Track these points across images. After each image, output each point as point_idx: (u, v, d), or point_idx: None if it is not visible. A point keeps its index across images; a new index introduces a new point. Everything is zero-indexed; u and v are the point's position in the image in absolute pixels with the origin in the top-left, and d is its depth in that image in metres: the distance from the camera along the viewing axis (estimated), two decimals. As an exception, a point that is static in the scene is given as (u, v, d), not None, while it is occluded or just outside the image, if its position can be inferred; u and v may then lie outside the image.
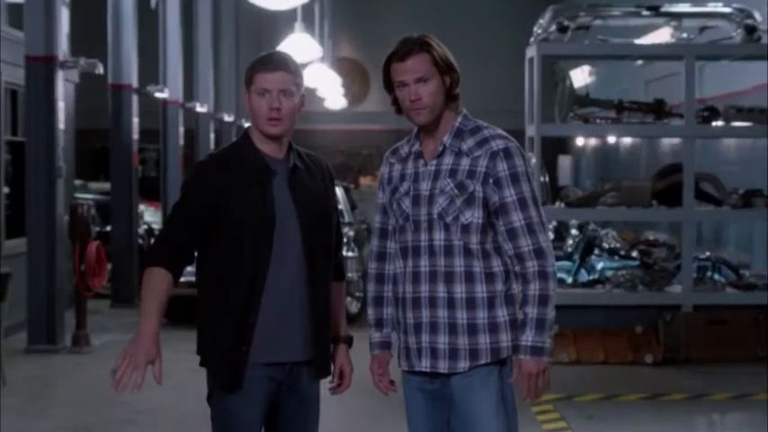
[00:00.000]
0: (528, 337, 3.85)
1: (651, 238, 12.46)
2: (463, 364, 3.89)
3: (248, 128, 4.22)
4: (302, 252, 4.01)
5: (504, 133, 3.99)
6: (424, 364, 3.93)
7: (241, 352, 3.96)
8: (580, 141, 25.13)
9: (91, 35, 17.96)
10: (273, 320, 3.97)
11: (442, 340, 3.90)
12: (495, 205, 3.89)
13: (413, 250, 3.96)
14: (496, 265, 3.89)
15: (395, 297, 4.05)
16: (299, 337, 4.03)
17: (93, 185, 19.92)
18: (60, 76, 11.60)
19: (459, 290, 3.88)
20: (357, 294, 13.19)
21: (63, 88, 11.74)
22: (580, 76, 17.39)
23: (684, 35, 11.28)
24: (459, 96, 3.99)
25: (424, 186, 3.95)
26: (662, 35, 13.94)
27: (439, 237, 3.91)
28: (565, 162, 24.79)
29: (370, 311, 4.14)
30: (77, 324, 11.67)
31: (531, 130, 11.00)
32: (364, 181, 30.50)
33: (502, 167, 3.87)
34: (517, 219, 3.88)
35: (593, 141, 24.40)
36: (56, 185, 11.40)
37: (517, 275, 3.90)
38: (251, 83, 4.10)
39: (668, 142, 17.20)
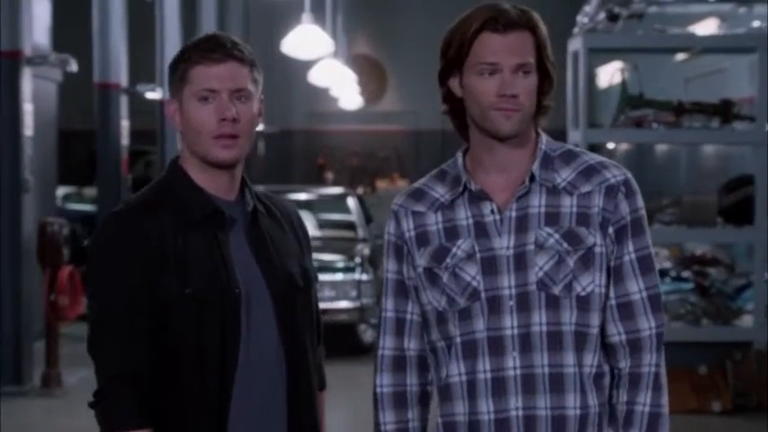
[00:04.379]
0: None
1: (699, 253, 11.30)
2: None
3: (177, 158, 3.00)
4: (279, 343, 2.92)
5: (606, 159, 2.91)
6: None
7: None
8: (610, 144, 24.15)
9: (84, 29, 16.95)
10: None
11: None
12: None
13: (490, 345, 2.80)
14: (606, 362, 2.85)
15: (449, 425, 2.84)
16: None
17: (88, 192, 18.84)
18: (28, 74, 10.57)
19: (573, 404, 2.80)
20: (372, 321, 12.18)
21: (31, 88, 10.71)
22: (611, 74, 16.42)
23: (757, 23, 10.16)
24: (549, 110, 2.89)
25: (504, 243, 2.81)
26: (708, 26, 13.09)
27: (539, 319, 2.79)
28: None
29: None
30: (48, 362, 10.65)
31: (575, 136, 9.98)
32: (381, 185, 29.49)
33: (625, 209, 2.84)
34: (637, 288, 2.83)
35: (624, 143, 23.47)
36: (22, 201, 10.44)
37: (615, 376, 2.84)
38: (184, 82, 2.90)
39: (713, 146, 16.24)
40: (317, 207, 14.49)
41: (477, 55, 2.79)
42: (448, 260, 2.83)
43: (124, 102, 14.20)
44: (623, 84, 10.11)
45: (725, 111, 10.07)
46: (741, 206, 10.08)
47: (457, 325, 2.82)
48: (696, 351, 9.83)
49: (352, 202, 14.11)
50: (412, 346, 2.89)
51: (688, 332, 9.93)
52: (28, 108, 10.49)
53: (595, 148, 10.71)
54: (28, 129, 10.52)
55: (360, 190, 28.33)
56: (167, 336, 2.83)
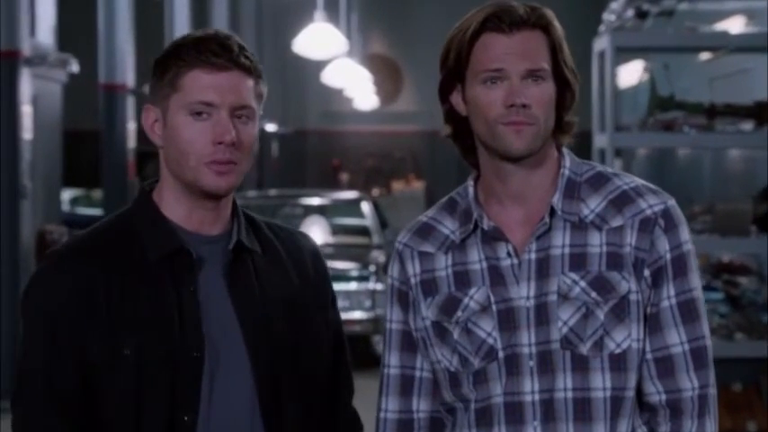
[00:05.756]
0: None
1: (726, 260, 10.86)
2: None
3: (149, 185, 2.44)
4: (257, 424, 2.34)
5: (646, 182, 2.44)
6: None
7: None
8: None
9: (91, 29, 16.83)
10: None
11: None
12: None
13: (507, 413, 2.35)
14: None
15: None
16: None
17: (97, 195, 18.54)
18: (27, 75, 10.26)
19: None
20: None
21: (30, 89, 10.40)
22: (634, 73, 16.06)
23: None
24: (572, 128, 2.42)
25: (522, 292, 2.36)
26: (735, 24, 12.68)
27: (564, 384, 2.34)
28: (615, 167, 23.44)
29: None
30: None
31: (601, 141, 9.56)
32: (397, 186, 29.52)
33: (663, 247, 2.37)
34: (678, 340, 2.37)
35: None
36: (20, 208, 10.10)
37: None
38: (173, 88, 2.33)
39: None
40: (330, 212, 14.08)
41: (479, 61, 2.35)
42: (459, 313, 2.38)
43: (131, 103, 13.94)
44: (652, 84, 9.76)
45: (759, 113, 9.66)
46: (776, 214, 9.63)
47: (472, 388, 2.37)
48: (729, 367, 9.31)
49: (366, 206, 13.71)
50: (422, 407, 2.43)
51: (721, 347, 9.35)
52: (27, 110, 10.17)
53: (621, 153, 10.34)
54: (27, 132, 10.20)
55: (375, 191, 28.20)
56: (98, 408, 2.29)
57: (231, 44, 2.32)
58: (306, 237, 2.55)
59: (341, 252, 12.40)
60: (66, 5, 14.06)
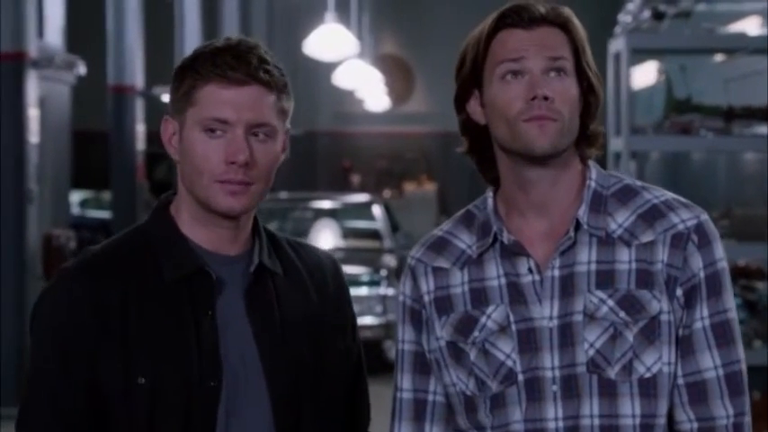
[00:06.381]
0: None
1: (741, 263, 10.84)
2: None
3: (167, 197, 2.31)
4: None
5: (676, 196, 2.31)
6: None
7: None
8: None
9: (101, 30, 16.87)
10: None
11: None
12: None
13: None
14: None
15: None
16: None
17: (107, 197, 18.47)
18: (33, 77, 10.16)
19: None
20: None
21: (37, 92, 10.31)
22: (647, 75, 16.00)
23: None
24: (599, 139, 2.29)
25: (545, 312, 2.24)
26: (751, 25, 12.58)
27: (590, 410, 2.21)
28: (629, 169, 23.29)
29: None
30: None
31: (617, 144, 9.43)
32: (409, 187, 29.40)
33: (697, 264, 2.24)
34: (711, 364, 2.24)
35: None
36: (26, 213, 10.02)
37: None
38: (188, 102, 2.20)
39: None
40: (340, 215, 13.98)
41: (497, 55, 2.23)
42: (476, 333, 2.25)
43: (140, 105, 13.93)
44: (668, 86, 9.64)
45: (776, 115, 9.63)
46: (793, 219, 9.50)
47: (489, 414, 2.23)
48: (748, 375, 9.35)
49: (377, 209, 13.61)
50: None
51: (739, 355, 9.48)
52: (33, 113, 10.08)
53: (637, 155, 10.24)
54: (33, 135, 10.12)
55: (386, 193, 28.13)
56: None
57: (250, 56, 2.17)
58: (328, 256, 2.42)
59: (352, 256, 12.31)
60: (76, 6, 14.08)
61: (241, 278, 2.23)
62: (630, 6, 9.66)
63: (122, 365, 2.15)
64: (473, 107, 2.24)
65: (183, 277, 2.20)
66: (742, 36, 10.15)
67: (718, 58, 13.26)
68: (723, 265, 2.27)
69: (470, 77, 2.23)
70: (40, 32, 11.30)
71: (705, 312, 2.24)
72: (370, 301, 11.71)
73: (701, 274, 2.22)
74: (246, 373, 2.21)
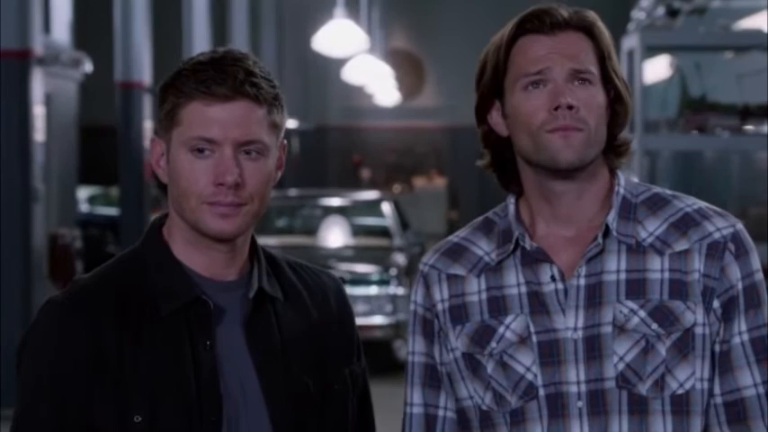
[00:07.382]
0: None
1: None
2: None
3: (159, 220, 2.17)
4: None
5: (709, 204, 2.21)
6: None
7: None
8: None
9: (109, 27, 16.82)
10: None
11: None
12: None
13: None
14: None
15: None
16: None
17: (115, 193, 18.36)
18: (39, 75, 9.98)
19: None
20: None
21: (43, 89, 10.15)
22: (659, 70, 15.91)
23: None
24: (628, 149, 2.14)
25: (569, 322, 2.12)
26: (764, 20, 12.46)
27: (619, 428, 2.10)
28: (641, 165, 23.26)
29: None
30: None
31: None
32: (419, 182, 29.41)
33: (735, 275, 2.14)
34: (751, 381, 2.13)
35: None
36: (31, 211, 9.86)
37: None
38: (172, 121, 2.05)
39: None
40: (350, 212, 13.85)
41: (518, 65, 2.12)
42: (493, 344, 2.13)
43: (147, 101, 13.80)
44: (683, 84, 9.57)
45: (791, 113, 9.52)
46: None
47: (508, 430, 2.12)
48: None
49: (387, 207, 13.46)
50: None
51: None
52: (39, 111, 9.91)
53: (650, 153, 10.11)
54: (39, 134, 9.95)
55: (396, 188, 28.04)
56: None
57: (235, 69, 2.03)
58: (333, 279, 2.29)
59: (361, 255, 12.18)
60: (83, 2, 13.97)
61: (240, 305, 2.11)
62: (644, 3, 9.56)
63: (117, 405, 2.02)
64: (495, 118, 2.15)
65: (179, 308, 2.07)
66: (758, 33, 10.03)
67: (731, 53, 13.16)
68: (760, 276, 2.15)
69: (491, 87, 2.14)
70: (47, 29, 11.19)
71: (744, 327, 2.13)
72: (379, 301, 11.57)
73: (739, 286, 2.12)
74: (247, 403, 2.08)
